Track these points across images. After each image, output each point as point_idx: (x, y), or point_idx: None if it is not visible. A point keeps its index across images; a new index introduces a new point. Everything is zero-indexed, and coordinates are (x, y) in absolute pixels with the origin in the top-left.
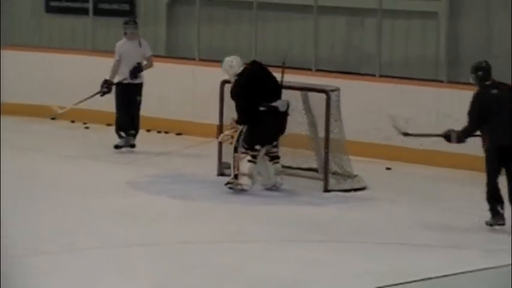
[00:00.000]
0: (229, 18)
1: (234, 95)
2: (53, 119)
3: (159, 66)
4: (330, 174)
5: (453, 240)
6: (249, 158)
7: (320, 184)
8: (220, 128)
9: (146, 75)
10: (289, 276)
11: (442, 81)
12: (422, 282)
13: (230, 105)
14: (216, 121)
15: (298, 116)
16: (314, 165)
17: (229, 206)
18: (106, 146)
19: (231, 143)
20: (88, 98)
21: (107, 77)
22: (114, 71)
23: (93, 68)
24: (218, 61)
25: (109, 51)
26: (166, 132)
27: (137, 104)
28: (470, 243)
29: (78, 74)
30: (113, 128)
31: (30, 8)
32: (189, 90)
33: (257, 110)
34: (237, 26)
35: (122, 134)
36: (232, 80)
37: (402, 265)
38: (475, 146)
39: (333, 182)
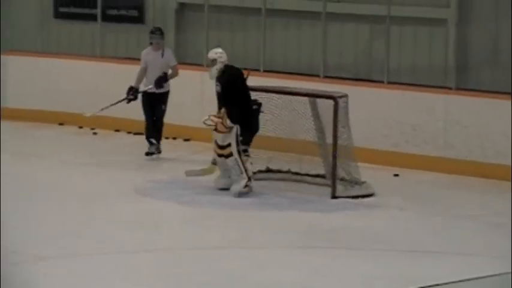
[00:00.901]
0: (237, 24)
1: (233, 95)
2: (60, 124)
3: None
4: (337, 181)
5: (461, 246)
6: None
7: (328, 190)
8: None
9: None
10: (296, 283)
11: (450, 88)
12: None
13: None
14: None
15: (306, 122)
16: (322, 171)
17: (236, 212)
18: (114, 152)
19: (214, 129)
20: (114, 104)
21: (132, 84)
22: (140, 78)
23: (101, 74)
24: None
25: (117, 58)
26: (174, 138)
27: (161, 113)
28: (478, 250)
29: (86, 79)
30: (120, 134)
31: (39, 13)
32: (197, 96)
33: (252, 111)
34: (246, 33)
35: (153, 141)
36: (214, 72)
37: (410, 272)
38: (483, 152)
39: (340, 189)
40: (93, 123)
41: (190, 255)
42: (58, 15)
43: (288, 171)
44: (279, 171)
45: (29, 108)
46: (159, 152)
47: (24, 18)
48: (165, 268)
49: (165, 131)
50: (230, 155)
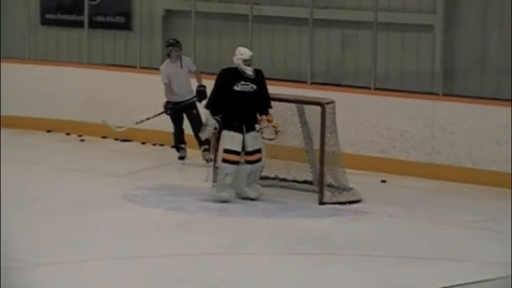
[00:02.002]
0: (224, 31)
1: (267, 94)
2: (48, 131)
3: (154, 78)
4: (325, 187)
5: (449, 252)
6: None
7: (315, 197)
8: (217, 140)
9: (143, 88)
10: None
11: (437, 94)
12: None
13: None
14: None
15: (293, 128)
16: (309, 177)
17: (225, 218)
18: (101, 159)
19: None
20: (151, 117)
21: (167, 99)
22: (169, 93)
23: (88, 81)
24: (213, 73)
25: (105, 64)
26: (161, 145)
27: (195, 117)
28: (466, 256)
29: (73, 86)
30: (107, 140)
31: (26, 20)
32: None
33: None
34: (233, 39)
35: (182, 146)
36: (251, 73)
37: (398, 278)
38: (470, 158)
39: (328, 195)
40: (81, 130)
41: (180, 261)
42: (45, 22)
43: (276, 178)
44: (267, 178)
45: (16, 115)
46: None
47: (11, 26)
48: (154, 275)
49: (153, 137)
50: (259, 160)
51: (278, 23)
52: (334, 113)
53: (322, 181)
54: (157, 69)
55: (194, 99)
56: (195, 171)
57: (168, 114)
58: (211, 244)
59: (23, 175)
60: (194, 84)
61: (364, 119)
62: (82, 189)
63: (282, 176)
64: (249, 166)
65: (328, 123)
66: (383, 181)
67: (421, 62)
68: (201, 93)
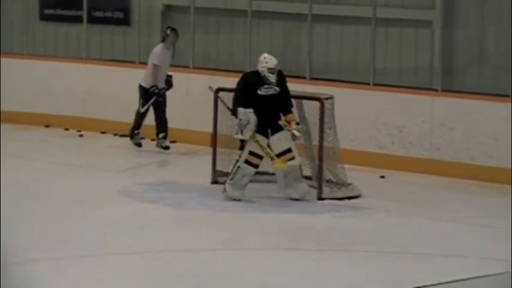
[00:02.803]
0: (223, 26)
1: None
2: (47, 126)
3: None
4: (324, 183)
5: (448, 248)
6: None
7: (314, 192)
8: (214, 136)
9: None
10: (283, 285)
11: (436, 90)
12: None
13: (224, 113)
14: (210, 129)
15: None
16: (308, 173)
17: (223, 214)
18: (100, 154)
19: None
20: (148, 105)
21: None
22: (156, 77)
23: (87, 76)
24: (212, 69)
25: (103, 59)
26: None
27: (165, 106)
28: (465, 252)
29: (72, 82)
30: (106, 136)
31: (24, 15)
32: (183, 98)
33: None
34: (232, 35)
35: (138, 131)
36: (275, 80)
37: (397, 274)
38: (469, 154)
39: (327, 191)
40: (80, 126)
41: (178, 257)
42: (44, 17)
43: (274, 173)
44: (266, 173)
45: (14, 111)
46: (167, 148)
47: (9, 21)
48: (153, 270)
49: (151, 133)
50: (291, 159)
51: (277, 18)
52: (333, 109)
53: (321, 177)
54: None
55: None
56: (193, 168)
57: (159, 98)
58: (210, 240)
59: (21, 170)
60: None
61: (362, 115)
62: (80, 185)
63: None
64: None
65: (326, 118)
66: (382, 177)
67: (420, 57)
68: (169, 82)
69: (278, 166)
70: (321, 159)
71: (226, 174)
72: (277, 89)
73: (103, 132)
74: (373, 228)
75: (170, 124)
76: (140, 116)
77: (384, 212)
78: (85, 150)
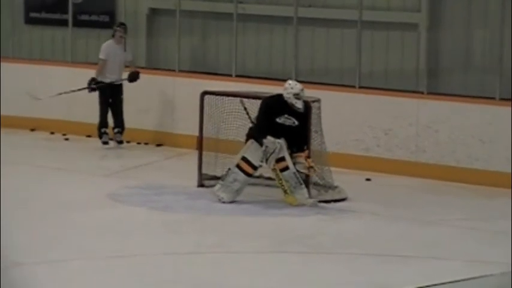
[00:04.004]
0: (209, 29)
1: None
2: (32, 130)
3: (140, 76)
4: (310, 185)
5: (433, 251)
6: None
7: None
8: (200, 140)
9: (126, 86)
10: None
11: (422, 93)
12: None
13: (210, 116)
14: (196, 132)
15: None
16: None
17: (210, 217)
18: (86, 158)
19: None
20: (74, 91)
21: (93, 76)
22: (100, 71)
23: (73, 79)
24: (198, 72)
25: (89, 63)
26: (146, 144)
27: (121, 102)
28: (451, 254)
29: (57, 85)
30: (92, 139)
31: (10, 19)
32: (169, 102)
33: None
34: (218, 38)
35: (105, 130)
36: (301, 106)
37: (383, 276)
38: (454, 157)
39: (314, 193)
40: (65, 129)
41: (165, 261)
42: (29, 20)
43: (261, 176)
44: (261, 177)
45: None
46: (120, 143)
47: None
48: (139, 274)
49: (137, 136)
50: (285, 168)
51: (263, 21)
52: (319, 112)
53: (309, 179)
54: (142, 67)
55: (123, 81)
56: (179, 171)
57: (90, 91)
58: (197, 243)
59: (7, 175)
60: None
61: (348, 118)
62: (67, 189)
63: (267, 175)
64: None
65: (313, 121)
66: (367, 179)
67: (406, 60)
68: (134, 74)
69: (289, 201)
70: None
71: (213, 177)
72: (296, 122)
73: (89, 136)
74: (360, 231)
75: (156, 127)
76: (101, 113)
77: (370, 214)
78: (71, 154)
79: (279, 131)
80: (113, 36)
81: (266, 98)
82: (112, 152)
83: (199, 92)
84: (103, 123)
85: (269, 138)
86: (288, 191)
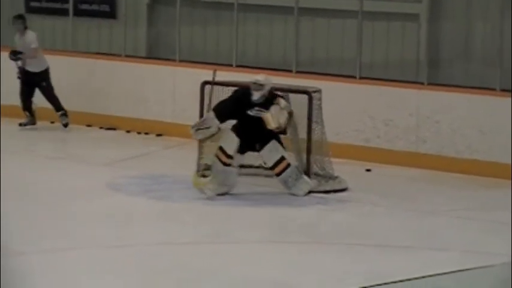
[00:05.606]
0: (210, 19)
1: None
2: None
3: (139, 67)
4: (311, 176)
5: (433, 241)
6: None
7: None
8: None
9: (128, 76)
10: (270, 278)
11: (422, 83)
12: (403, 283)
13: (210, 106)
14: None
15: None
16: None
17: (209, 207)
18: (86, 147)
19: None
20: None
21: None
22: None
23: (73, 69)
24: (198, 62)
25: (89, 52)
26: (146, 133)
27: (45, 89)
28: (450, 245)
29: (58, 74)
30: (92, 129)
31: (10, 8)
32: (169, 91)
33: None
34: (218, 28)
35: (27, 113)
36: (258, 98)
37: (382, 266)
38: (454, 148)
39: (315, 183)
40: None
41: (164, 250)
42: (30, 9)
43: (260, 166)
44: (251, 167)
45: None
46: (65, 126)
47: None
48: (138, 264)
49: (137, 126)
50: (287, 167)
51: (263, 11)
52: (320, 102)
53: (309, 170)
54: (142, 57)
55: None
56: (179, 161)
57: (18, 78)
58: (196, 233)
59: (7, 163)
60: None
61: (349, 108)
62: (67, 178)
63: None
64: (279, 178)
65: (314, 112)
66: (368, 170)
67: (406, 51)
68: (14, 53)
69: (195, 182)
70: (309, 152)
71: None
72: (262, 111)
73: (89, 125)
74: (359, 221)
75: (156, 117)
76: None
77: (370, 205)
78: (71, 143)
79: (251, 120)
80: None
81: (237, 90)
82: (112, 142)
83: (199, 82)
84: (23, 106)
85: (210, 114)
86: (198, 172)
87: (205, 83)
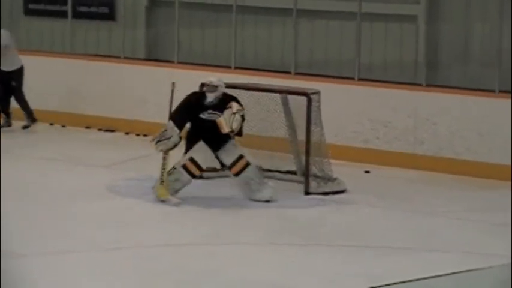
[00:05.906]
0: (208, 21)
1: None
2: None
3: (138, 69)
4: (310, 177)
5: (432, 243)
6: None
7: (299, 187)
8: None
9: (126, 78)
10: (268, 280)
11: (420, 85)
12: (402, 285)
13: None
14: None
15: (277, 119)
16: (292, 168)
17: (209, 209)
18: (84, 149)
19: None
20: None
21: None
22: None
23: (71, 71)
24: (197, 64)
25: (88, 54)
26: (145, 135)
27: (14, 90)
28: (448, 246)
29: (56, 77)
30: (90, 131)
31: (9, 10)
32: (168, 93)
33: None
34: (217, 29)
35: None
36: (212, 100)
37: (381, 268)
38: (453, 149)
39: (313, 185)
40: (64, 120)
41: (163, 252)
42: (28, 12)
43: (259, 168)
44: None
45: None
46: (9, 126)
47: None
48: (137, 265)
49: (135, 128)
50: (246, 166)
51: (262, 13)
52: (319, 104)
53: (308, 171)
54: (141, 59)
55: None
56: None
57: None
58: (194, 234)
59: (5, 165)
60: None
61: (347, 110)
62: (66, 180)
63: (266, 167)
64: (238, 178)
65: (312, 113)
66: (366, 171)
67: (405, 52)
68: None
69: (158, 192)
70: (308, 154)
71: (212, 169)
72: (216, 114)
73: (87, 127)
74: (358, 223)
75: (155, 119)
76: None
77: (369, 206)
78: (69, 145)
79: (206, 123)
80: None
81: (191, 93)
82: (111, 144)
83: (198, 84)
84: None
85: (170, 124)
86: (163, 183)
87: (204, 85)
